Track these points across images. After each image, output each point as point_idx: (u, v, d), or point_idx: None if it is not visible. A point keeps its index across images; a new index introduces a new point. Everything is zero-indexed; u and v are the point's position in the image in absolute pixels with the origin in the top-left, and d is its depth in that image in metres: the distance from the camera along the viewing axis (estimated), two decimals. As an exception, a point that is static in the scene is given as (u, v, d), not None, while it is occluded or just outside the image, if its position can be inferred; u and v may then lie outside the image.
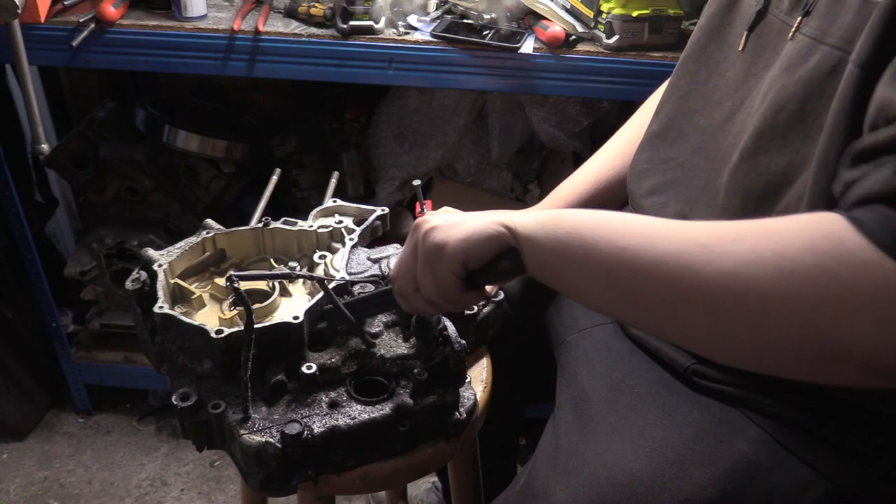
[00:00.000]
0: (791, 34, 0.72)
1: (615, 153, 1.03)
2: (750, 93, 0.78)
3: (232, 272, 0.75)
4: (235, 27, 1.34)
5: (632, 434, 0.75)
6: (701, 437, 0.73)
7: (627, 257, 0.61)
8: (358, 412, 0.76)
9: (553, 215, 0.67)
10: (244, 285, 0.79)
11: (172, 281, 0.87)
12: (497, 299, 0.94)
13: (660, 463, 0.72)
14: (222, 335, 0.76)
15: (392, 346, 0.83)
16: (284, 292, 0.89)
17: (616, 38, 1.30)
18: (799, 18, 0.72)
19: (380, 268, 0.90)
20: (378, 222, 1.00)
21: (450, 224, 0.70)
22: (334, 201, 1.02)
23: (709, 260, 0.57)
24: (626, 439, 0.75)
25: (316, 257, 0.92)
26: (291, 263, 0.93)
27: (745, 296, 0.56)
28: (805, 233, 0.55)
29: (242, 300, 0.72)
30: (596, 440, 0.77)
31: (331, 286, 0.81)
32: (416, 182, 1.08)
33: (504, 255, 0.68)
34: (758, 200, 0.72)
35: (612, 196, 1.02)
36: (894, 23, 0.59)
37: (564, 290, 0.71)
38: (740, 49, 0.81)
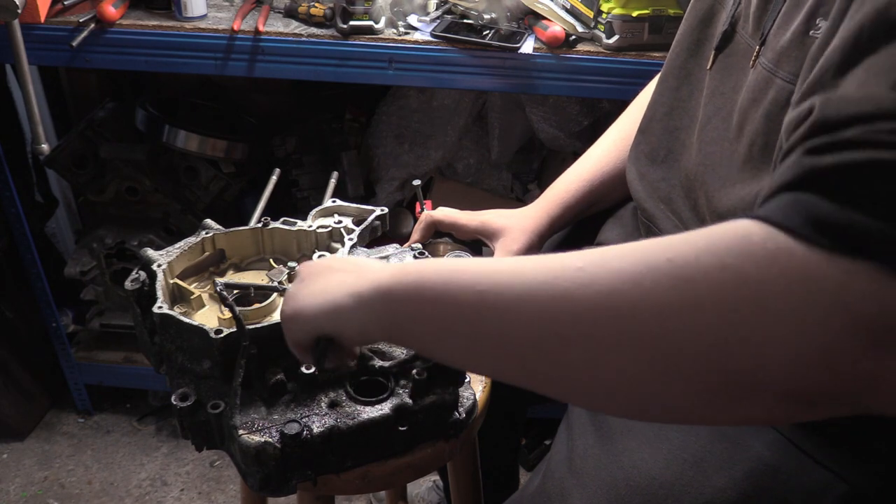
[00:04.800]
0: (752, 62, 0.72)
1: (609, 148, 1.03)
2: (718, 111, 0.78)
3: (217, 279, 0.75)
4: (235, 27, 1.34)
5: (648, 437, 0.75)
6: (719, 440, 0.72)
7: (488, 300, 0.51)
8: (357, 412, 0.76)
9: (396, 273, 0.58)
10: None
11: (172, 281, 0.87)
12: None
13: (678, 465, 0.71)
14: (221, 335, 0.76)
15: (391, 345, 0.83)
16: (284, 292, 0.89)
17: (616, 38, 1.30)
18: (757, 47, 0.72)
19: None
20: (377, 222, 1.00)
21: (305, 291, 0.65)
22: (334, 201, 1.02)
23: (585, 282, 0.47)
24: (642, 442, 0.75)
25: (315, 257, 0.92)
26: (291, 263, 0.93)
27: (635, 316, 0.45)
28: (703, 237, 0.46)
29: (230, 308, 0.72)
30: (612, 443, 0.77)
31: None
32: (416, 182, 1.08)
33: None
34: None
35: (607, 192, 1.02)
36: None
37: (419, 349, 0.66)
38: (708, 67, 0.81)
